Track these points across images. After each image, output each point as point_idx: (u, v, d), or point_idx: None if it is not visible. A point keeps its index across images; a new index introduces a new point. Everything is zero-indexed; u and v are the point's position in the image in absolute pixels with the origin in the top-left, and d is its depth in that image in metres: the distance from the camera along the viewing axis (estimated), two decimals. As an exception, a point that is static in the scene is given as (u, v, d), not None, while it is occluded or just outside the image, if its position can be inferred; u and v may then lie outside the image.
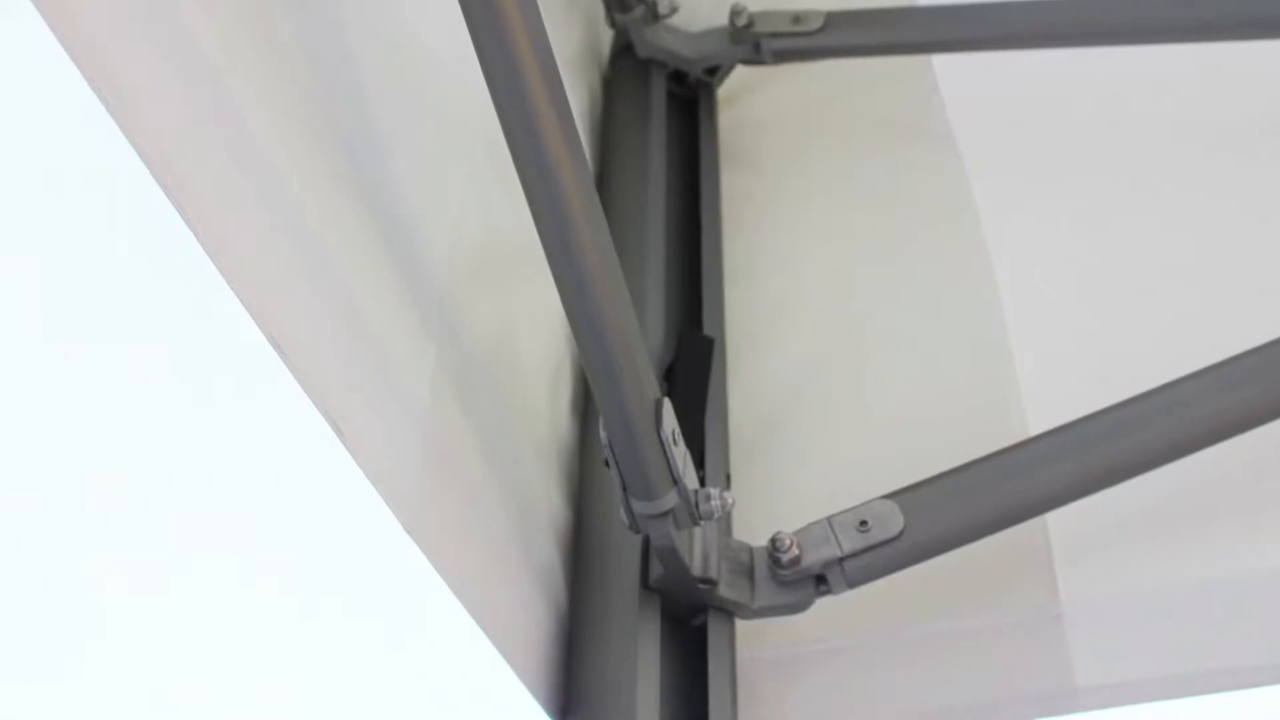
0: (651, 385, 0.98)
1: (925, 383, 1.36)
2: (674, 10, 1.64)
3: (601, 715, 1.08)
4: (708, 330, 1.39)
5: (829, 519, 1.11)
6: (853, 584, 1.10)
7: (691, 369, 1.31)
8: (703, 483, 1.08)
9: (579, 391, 1.33)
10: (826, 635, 1.19)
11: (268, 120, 0.84)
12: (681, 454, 1.00)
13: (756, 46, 1.60)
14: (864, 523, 1.09)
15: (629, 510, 1.01)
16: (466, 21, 0.82)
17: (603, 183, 1.53)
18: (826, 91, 1.67)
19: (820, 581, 1.10)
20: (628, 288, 0.95)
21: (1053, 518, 1.19)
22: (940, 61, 1.65)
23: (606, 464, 0.99)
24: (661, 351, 1.33)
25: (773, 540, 1.09)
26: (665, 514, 1.00)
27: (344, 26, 1.00)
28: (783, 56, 1.60)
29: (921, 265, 1.47)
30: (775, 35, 1.58)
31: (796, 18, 1.58)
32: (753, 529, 1.17)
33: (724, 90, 1.68)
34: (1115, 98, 1.56)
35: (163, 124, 0.73)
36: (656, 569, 1.10)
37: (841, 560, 1.09)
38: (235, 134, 0.80)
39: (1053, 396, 1.28)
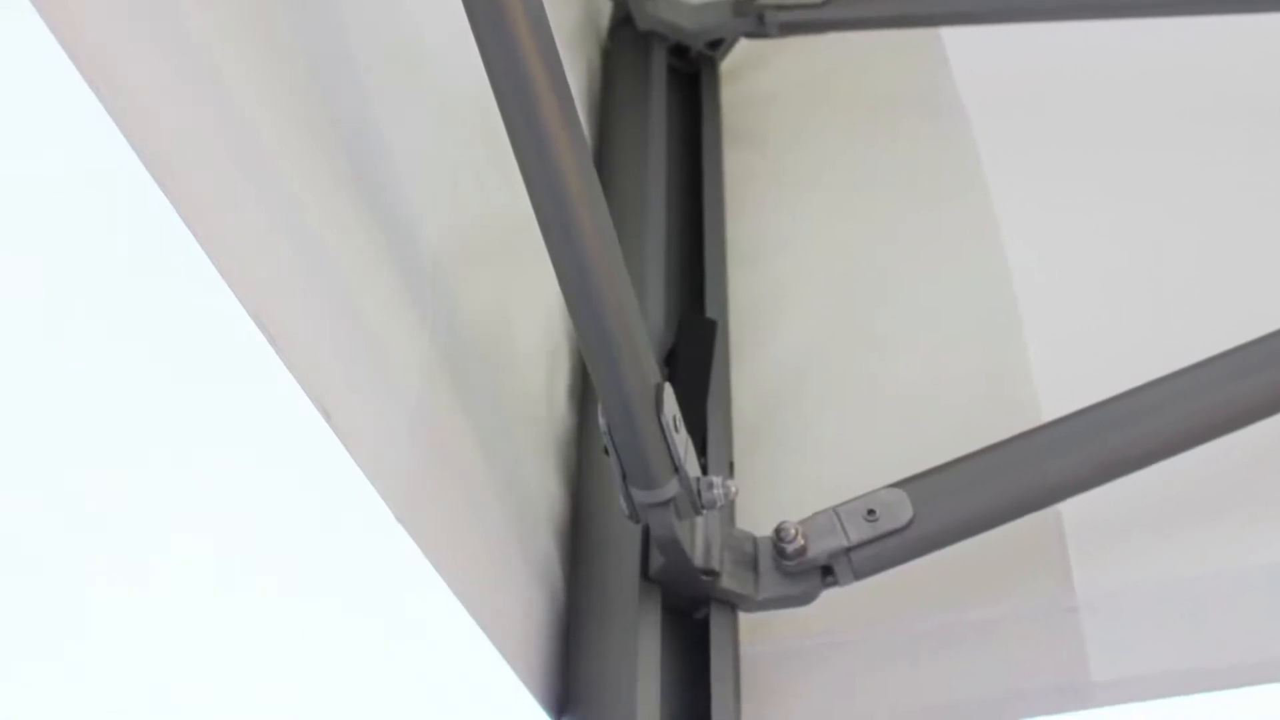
0: (652, 370, 0.97)
1: (934, 367, 1.36)
2: (676, -18, 1.64)
3: (600, 711, 1.08)
4: (710, 313, 1.38)
5: (835, 508, 1.10)
6: (860, 575, 1.09)
7: (693, 353, 1.31)
8: (705, 470, 1.08)
9: (577, 377, 1.33)
10: (832, 628, 1.18)
11: (256, 94, 0.84)
12: (683, 441, 1.00)
13: (761, 19, 1.59)
14: (871, 512, 1.09)
15: (629, 499, 1.01)
16: (460, -6, 0.82)
17: (601, 161, 1.52)
18: (833, 65, 1.67)
19: (826, 573, 1.10)
20: (627, 269, 0.94)
21: (1067, 507, 1.18)
22: (950, 34, 1.64)
23: (605, 451, 0.99)
24: (662, 335, 1.33)
25: (777, 530, 1.09)
26: (666, 503, 1.00)
27: (338, 5, 1.00)
28: (788, 29, 1.60)
29: (931, 245, 1.47)
30: (780, 7, 1.58)
31: (802, -11, 1.58)
32: (756, 518, 1.17)
33: (727, 64, 1.68)
34: (1131, 72, 1.56)
35: (127, 55, 0.73)
36: (657, 560, 1.10)
37: (848, 550, 1.08)
38: (224, 110, 0.80)
39: (1067, 381, 1.28)
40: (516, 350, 1.22)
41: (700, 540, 1.09)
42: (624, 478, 1.00)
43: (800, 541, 1.08)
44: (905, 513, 1.09)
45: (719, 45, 1.64)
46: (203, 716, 0.95)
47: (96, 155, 0.73)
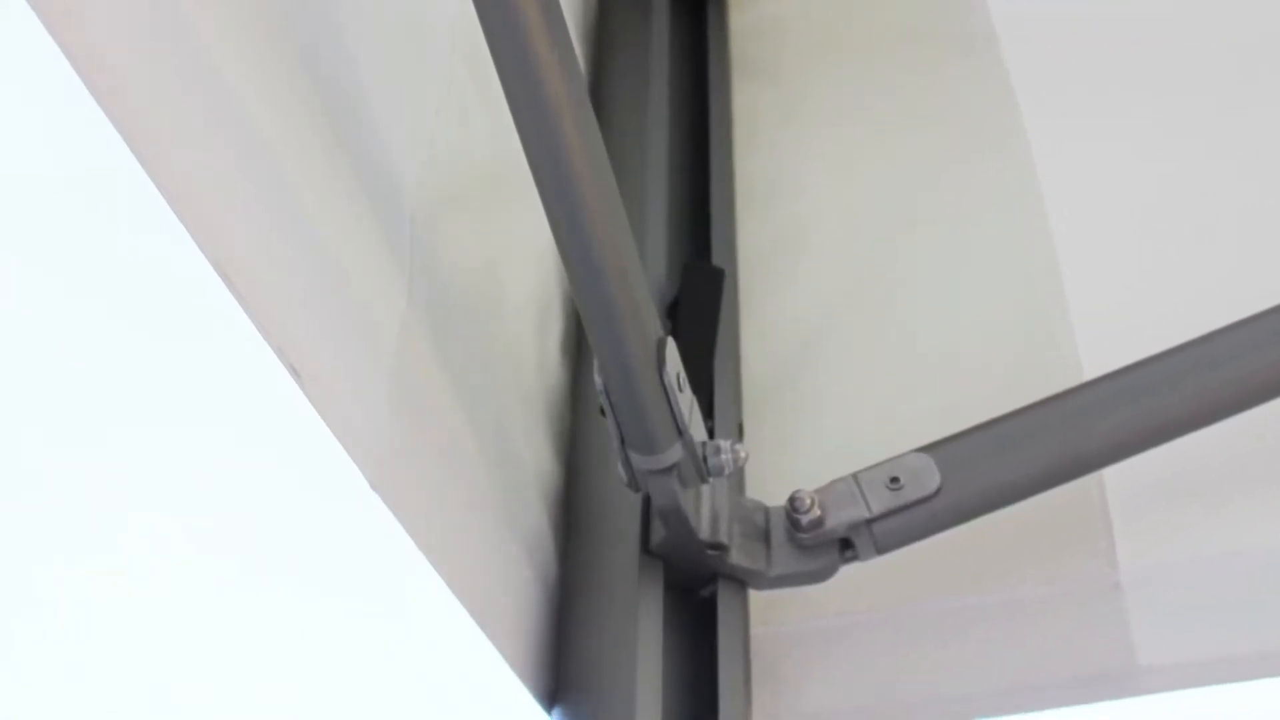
0: (653, 324, 0.97)
1: (964, 321, 1.35)
2: (679, -103, 1.63)
3: (597, 699, 1.08)
4: (716, 261, 1.38)
5: (855, 475, 1.10)
6: (882, 549, 1.09)
7: (698, 305, 1.30)
8: (711, 434, 1.07)
9: (570, 332, 1.33)
10: (851, 608, 1.18)
11: (216, 21, 0.83)
12: (687, 401, 0.99)
13: (773, -61, 1.59)
14: (895, 479, 1.09)
15: (627, 465, 1.01)
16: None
17: (598, 95, 1.52)
18: (853, -9, 1.67)
19: (845, 546, 1.09)
20: (626, 214, 0.94)
21: (1110, 475, 1.18)
22: (983, -42, 1.63)
23: (602, 413, 0.99)
24: (664, 286, 1.32)
25: (791, 499, 1.09)
26: (669, 469, 1.00)
27: None
28: (804, -49, 1.59)
29: (960, 189, 1.46)
30: (795, -74, 1.57)
31: (819, -94, 1.57)
32: (769, 487, 1.17)
33: (736, -11, 1.68)
34: (1180, 5, 1.54)
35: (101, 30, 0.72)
36: (659, 533, 1.10)
37: (870, 522, 1.08)
38: (182, 43, 0.79)
39: (1110, 336, 1.27)
40: (504, 303, 1.21)
41: (706, 511, 1.09)
42: (622, 442, 1.00)
43: (816, 512, 1.08)
44: (932, 480, 1.08)
45: (728, -32, 1.64)
46: (170, 702, 0.95)
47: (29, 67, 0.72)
